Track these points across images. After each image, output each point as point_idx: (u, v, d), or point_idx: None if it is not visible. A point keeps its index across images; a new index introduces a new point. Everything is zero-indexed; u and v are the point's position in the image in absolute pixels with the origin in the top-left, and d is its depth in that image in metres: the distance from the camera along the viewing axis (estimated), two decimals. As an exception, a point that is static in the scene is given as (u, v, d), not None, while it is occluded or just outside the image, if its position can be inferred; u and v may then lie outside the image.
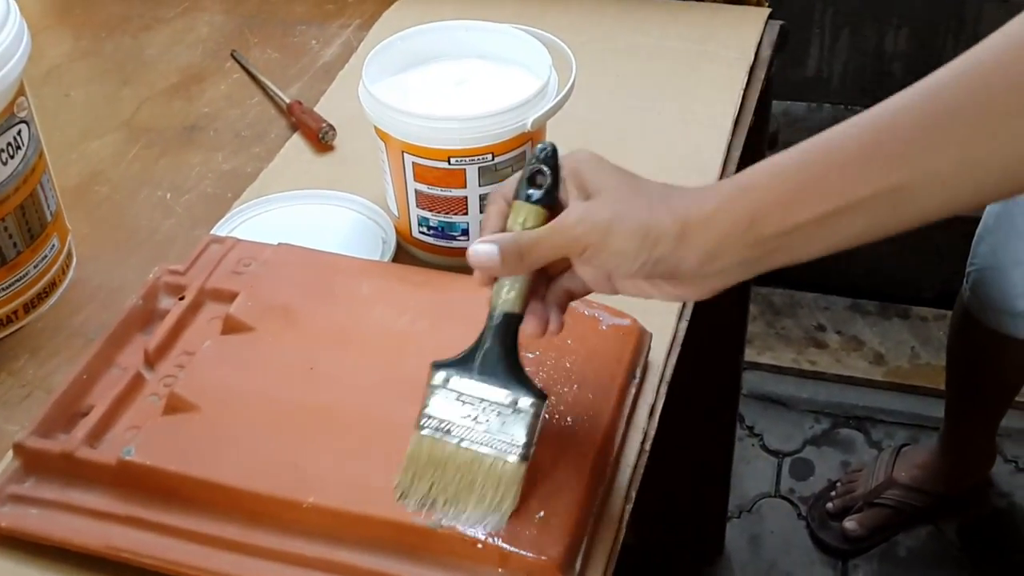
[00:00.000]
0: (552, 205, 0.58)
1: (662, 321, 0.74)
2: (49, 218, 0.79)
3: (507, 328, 0.58)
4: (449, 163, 0.75)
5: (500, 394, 0.58)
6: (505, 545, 0.57)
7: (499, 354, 0.58)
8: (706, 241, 0.53)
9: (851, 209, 0.51)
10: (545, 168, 0.58)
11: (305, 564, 0.58)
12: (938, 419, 1.57)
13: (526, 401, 0.58)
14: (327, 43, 1.08)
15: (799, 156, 0.53)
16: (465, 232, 0.79)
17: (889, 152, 0.50)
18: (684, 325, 0.76)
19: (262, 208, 0.84)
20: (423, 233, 0.80)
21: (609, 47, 1.04)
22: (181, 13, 1.15)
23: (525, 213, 0.57)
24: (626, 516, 0.63)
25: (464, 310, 0.70)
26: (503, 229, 0.58)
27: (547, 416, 0.61)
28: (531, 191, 0.58)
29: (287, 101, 0.97)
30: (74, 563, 0.60)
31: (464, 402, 0.59)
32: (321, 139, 0.92)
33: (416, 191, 0.78)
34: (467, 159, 0.75)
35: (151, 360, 0.69)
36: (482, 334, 0.59)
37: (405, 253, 0.82)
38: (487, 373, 0.58)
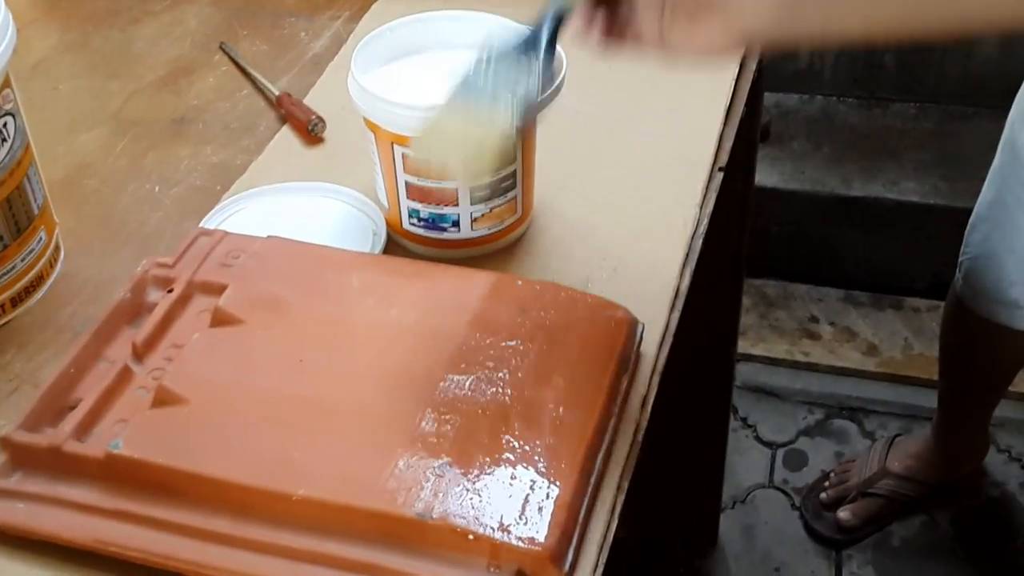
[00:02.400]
0: None
1: (654, 312, 0.74)
2: (36, 211, 0.78)
3: (558, 21, 0.64)
4: (439, 154, 0.74)
5: (527, 67, 0.64)
6: (497, 536, 0.57)
7: (544, 37, 0.64)
8: None
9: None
10: None
11: (295, 556, 0.58)
12: (931, 409, 1.58)
13: (547, 70, 0.64)
14: (316, 35, 1.08)
15: None
16: (456, 224, 0.78)
17: None
18: (676, 316, 0.76)
19: (251, 200, 0.83)
20: (414, 225, 0.79)
21: (600, 37, 1.04)
22: (169, 6, 1.14)
23: None
24: (618, 507, 0.63)
25: (455, 302, 0.70)
26: None
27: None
28: None
29: (276, 93, 0.97)
30: (62, 557, 0.60)
31: (491, 77, 0.64)
32: (311, 131, 0.92)
33: (406, 183, 0.77)
34: (457, 150, 0.74)
35: (139, 353, 0.68)
36: (535, 26, 0.64)
37: (396, 245, 0.81)
38: (526, 48, 0.64)
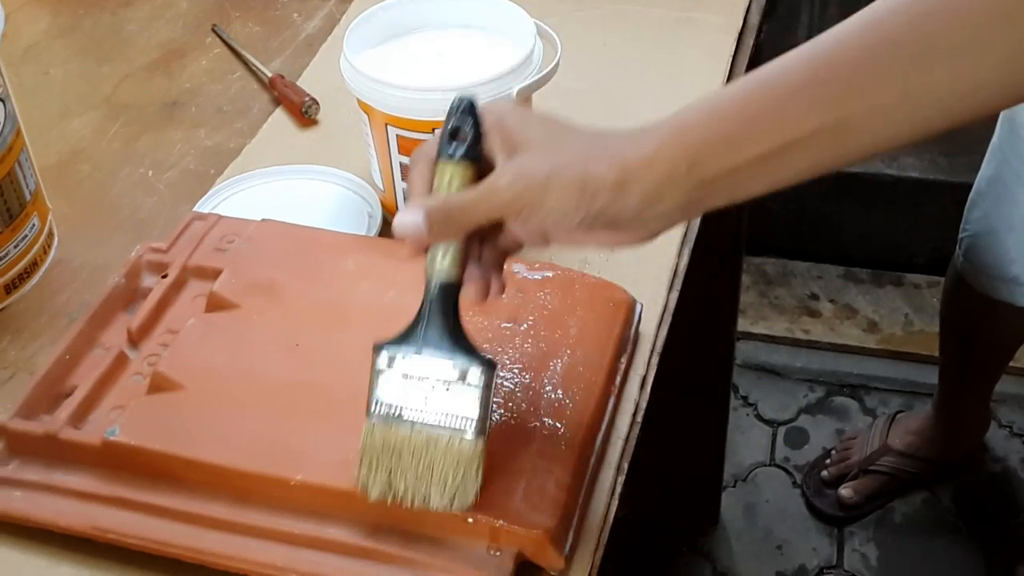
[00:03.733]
0: (477, 159, 0.54)
1: (652, 292, 0.74)
2: (28, 197, 0.78)
3: (446, 298, 0.55)
4: (433, 134, 0.74)
5: (447, 369, 0.55)
6: (496, 519, 0.56)
7: (441, 326, 0.55)
8: (645, 187, 0.50)
9: (793, 146, 0.49)
10: (467, 120, 0.54)
11: (293, 542, 0.58)
12: (932, 386, 1.57)
13: (475, 372, 0.55)
14: (309, 16, 1.07)
15: (738, 93, 0.51)
16: (451, 204, 0.77)
17: (830, 86, 0.48)
18: (675, 296, 0.75)
19: (245, 184, 0.83)
20: (409, 206, 0.78)
21: (595, 15, 1.03)
22: (161, -12, 1.13)
23: (450, 172, 0.54)
24: (618, 488, 0.63)
25: (451, 283, 0.69)
26: (429, 193, 0.55)
27: (503, 383, 0.59)
28: (453, 147, 0.54)
29: (269, 75, 0.96)
30: (59, 544, 0.60)
31: (411, 382, 0.55)
32: (304, 113, 0.91)
33: (401, 164, 0.76)
34: (452, 130, 0.73)
35: (134, 339, 0.68)
36: (421, 308, 0.55)
37: (391, 227, 0.80)
38: (431, 347, 0.55)
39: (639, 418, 0.67)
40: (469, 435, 0.55)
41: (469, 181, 0.54)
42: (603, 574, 0.59)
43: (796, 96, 0.49)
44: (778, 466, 1.68)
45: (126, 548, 0.59)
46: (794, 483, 1.65)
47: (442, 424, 0.55)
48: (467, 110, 0.55)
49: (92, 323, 0.69)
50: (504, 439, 0.60)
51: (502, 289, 0.57)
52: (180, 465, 0.60)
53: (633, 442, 0.66)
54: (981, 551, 1.55)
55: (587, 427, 0.62)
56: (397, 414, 0.55)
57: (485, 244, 0.56)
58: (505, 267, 0.58)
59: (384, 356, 0.56)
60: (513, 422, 0.61)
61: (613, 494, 0.62)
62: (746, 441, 1.70)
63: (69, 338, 0.68)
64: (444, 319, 0.55)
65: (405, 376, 0.55)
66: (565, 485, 0.59)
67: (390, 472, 0.55)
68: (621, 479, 0.63)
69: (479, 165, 0.54)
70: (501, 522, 0.56)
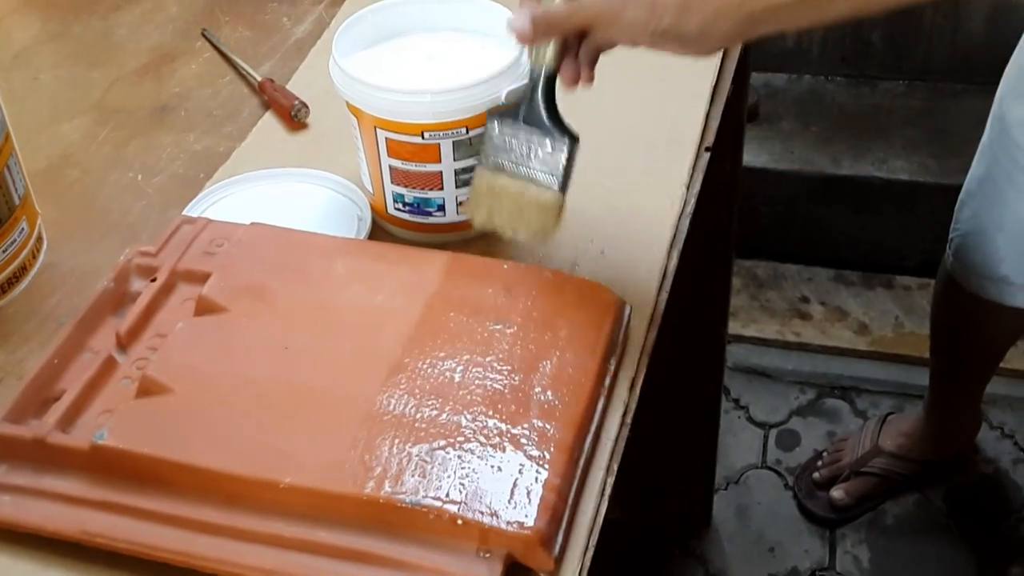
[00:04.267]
0: None
1: (642, 294, 0.74)
2: (17, 202, 0.78)
3: (546, 83, 0.70)
4: (423, 137, 0.74)
5: (541, 137, 0.69)
6: (485, 521, 0.56)
7: (540, 105, 0.70)
8: (704, 13, 0.62)
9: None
10: None
11: (283, 545, 0.58)
12: (923, 387, 1.58)
13: (561, 143, 0.69)
14: (299, 20, 1.07)
15: None
16: (441, 208, 0.78)
17: None
18: (664, 297, 0.75)
19: (235, 188, 0.83)
20: (399, 210, 0.79)
21: (585, 18, 1.03)
22: (150, -8, 1.13)
23: None
24: (608, 489, 0.63)
25: (442, 287, 0.69)
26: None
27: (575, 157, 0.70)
28: None
29: (259, 79, 0.96)
30: (48, 549, 0.59)
31: (514, 144, 0.70)
32: (294, 117, 0.91)
33: (390, 167, 0.77)
34: (441, 133, 0.74)
35: (123, 343, 0.68)
36: (528, 89, 0.70)
37: (381, 230, 0.81)
38: (531, 121, 0.70)
39: (628, 420, 0.67)
40: (553, 189, 0.69)
41: None
42: (593, 576, 0.59)
43: None
44: (770, 468, 1.68)
45: (115, 552, 0.58)
46: (786, 485, 1.65)
47: (534, 178, 0.70)
48: None
49: (81, 327, 0.69)
50: (493, 440, 0.60)
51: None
52: (169, 469, 0.60)
53: (623, 444, 0.66)
54: (973, 552, 1.55)
55: (576, 429, 0.62)
56: (501, 166, 0.70)
57: (583, 41, 0.69)
58: (497, 263, 0.69)
59: (495, 122, 0.71)
60: (502, 423, 0.61)
61: (603, 496, 0.62)
62: (738, 443, 1.71)
63: (58, 342, 0.68)
64: (544, 98, 0.70)
65: (509, 139, 0.70)
66: (555, 487, 0.59)
67: (490, 209, 0.71)
68: (611, 481, 0.63)
69: None
70: (490, 523, 0.56)
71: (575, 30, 0.68)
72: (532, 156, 0.70)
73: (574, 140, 0.69)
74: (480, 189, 0.71)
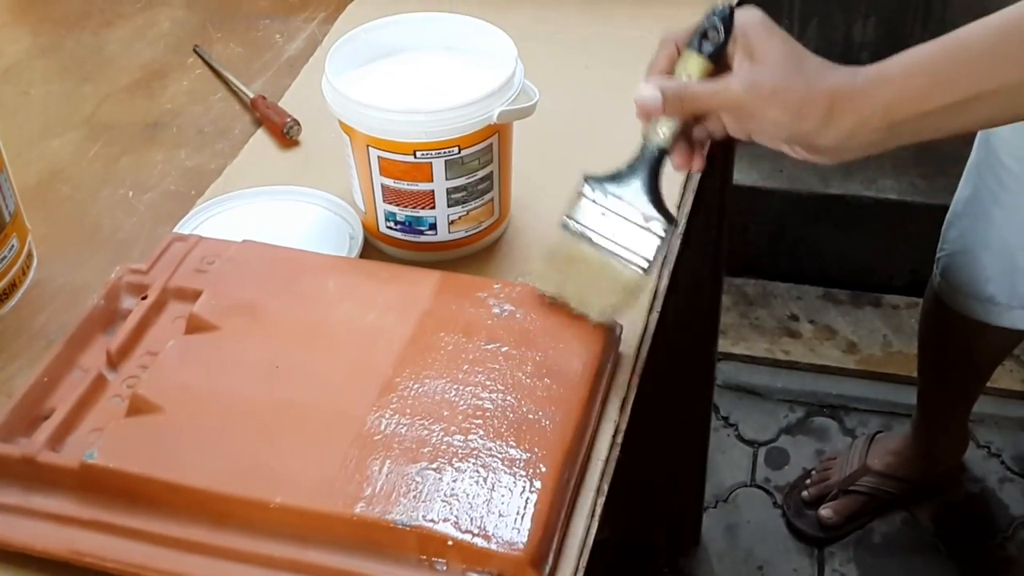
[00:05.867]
0: (717, 60, 0.64)
1: (633, 313, 0.74)
2: (7, 218, 0.77)
3: (658, 160, 0.66)
4: (415, 156, 0.74)
5: (638, 214, 0.66)
6: (476, 541, 0.56)
7: (646, 181, 0.66)
8: (847, 122, 0.60)
9: (976, 100, 0.58)
10: (720, 26, 0.63)
11: (273, 565, 0.57)
12: (911, 406, 1.58)
13: (659, 224, 0.66)
14: (291, 37, 1.07)
15: (936, 50, 0.59)
16: (433, 226, 0.78)
17: (1015, 52, 0.56)
18: (655, 317, 0.76)
19: (226, 205, 0.83)
20: (390, 228, 0.79)
21: (577, 37, 1.03)
22: (142, 8, 1.13)
23: (693, 63, 0.64)
24: (598, 510, 0.63)
25: (433, 306, 0.69)
26: (669, 72, 0.65)
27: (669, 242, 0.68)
28: (704, 44, 0.64)
29: (251, 96, 0.96)
30: (36, 568, 0.59)
31: (606, 214, 0.67)
32: (286, 134, 0.91)
33: (382, 185, 0.77)
34: (433, 152, 0.74)
35: (113, 361, 0.67)
36: (634, 161, 0.66)
37: (373, 249, 0.81)
38: (632, 193, 0.66)
39: (619, 439, 0.67)
40: (639, 269, 0.67)
41: (705, 74, 0.64)
42: (584, 596, 0.59)
43: (982, 58, 0.57)
44: (759, 487, 1.68)
45: (104, 572, 0.58)
46: (775, 504, 1.65)
47: (622, 256, 0.67)
48: (725, 18, 0.63)
49: (71, 345, 0.69)
50: (484, 460, 0.60)
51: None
52: (159, 488, 0.60)
53: (613, 463, 0.66)
54: (960, 571, 1.56)
55: (567, 449, 0.62)
56: (586, 234, 0.67)
57: (696, 125, 0.66)
58: (488, 282, 0.68)
59: (590, 187, 0.67)
60: (493, 443, 0.61)
61: (593, 516, 0.62)
62: (727, 462, 1.71)
63: (47, 360, 0.68)
64: (649, 175, 0.66)
65: (603, 208, 0.67)
66: (545, 507, 0.59)
67: (564, 276, 0.68)
68: (601, 501, 0.63)
69: (717, 66, 0.64)
70: (481, 545, 0.56)
71: (710, 112, 0.65)
72: (624, 231, 0.67)
73: (672, 223, 0.67)
74: (559, 253, 0.68)
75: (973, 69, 0.58)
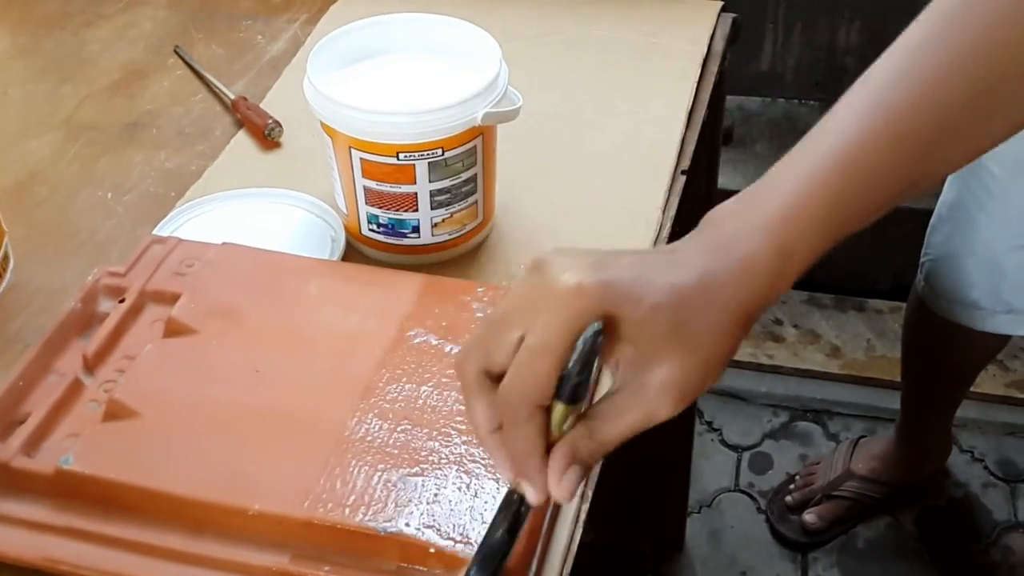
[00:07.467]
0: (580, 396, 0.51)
1: (617, 317, 0.73)
2: (-17, 220, 0.76)
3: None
4: (398, 158, 0.73)
5: None
6: (459, 548, 0.55)
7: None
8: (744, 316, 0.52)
9: (880, 210, 0.53)
10: (585, 372, 0.50)
11: (251, 573, 0.56)
12: (894, 411, 1.58)
13: None
14: (273, 38, 1.06)
15: (825, 186, 0.52)
16: (416, 229, 0.77)
17: (912, 156, 0.52)
18: (639, 321, 0.75)
19: (206, 207, 0.82)
20: (373, 231, 0.78)
21: (562, 39, 1.03)
22: (123, 8, 1.12)
23: (563, 411, 0.49)
24: (583, 516, 0.62)
25: (416, 310, 0.68)
26: (547, 445, 0.49)
27: None
28: (570, 391, 0.49)
29: (232, 97, 0.95)
30: (9, 577, 0.58)
31: None
32: (267, 136, 0.90)
33: (365, 188, 0.76)
34: (416, 154, 0.73)
35: (90, 365, 0.66)
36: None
37: (355, 251, 0.80)
38: None
39: (604, 445, 0.66)
40: None
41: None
42: (567, 604, 0.59)
43: (881, 176, 0.52)
44: (742, 491, 1.67)
45: (79, 580, 0.57)
46: (758, 508, 1.65)
47: None
48: (586, 362, 0.50)
49: (47, 349, 0.68)
50: (467, 466, 0.59)
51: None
52: (136, 495, 0.59)
53: (598, 469, 0.65)
54: (943, 576, 1.56)
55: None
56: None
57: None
58: (471, 285, 0.62)
59: None
60: (475, 449, 0.60)
61: (577, 522, 0.62)
62: (711, 466, 1.70)
63: (23, 364, 0.67)
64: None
65: None
66: (528, 513, 0.58)
67: None
68: (585, 506, 0.63)
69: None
70: (463, 551, 0.55)
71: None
72: None
73: None
74: None
75: (874, 193, 0.52)
